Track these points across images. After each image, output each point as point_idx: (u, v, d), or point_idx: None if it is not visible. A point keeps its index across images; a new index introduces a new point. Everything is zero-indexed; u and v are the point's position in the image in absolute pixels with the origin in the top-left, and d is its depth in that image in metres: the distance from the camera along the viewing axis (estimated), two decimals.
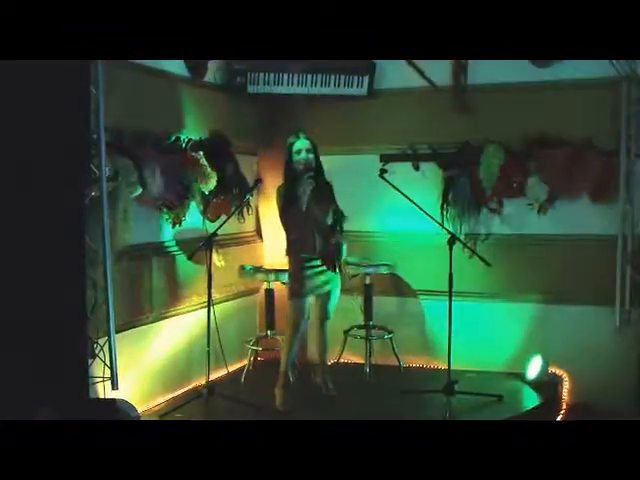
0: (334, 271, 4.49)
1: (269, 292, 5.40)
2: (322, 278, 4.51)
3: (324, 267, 4.47)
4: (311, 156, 4.47)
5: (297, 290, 4.51)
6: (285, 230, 4.52)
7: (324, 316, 4.68)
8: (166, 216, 4.64)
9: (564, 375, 5.19)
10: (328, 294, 4.60)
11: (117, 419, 3.70)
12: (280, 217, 4.50)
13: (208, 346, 4.58)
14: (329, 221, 4.52)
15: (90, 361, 3.93)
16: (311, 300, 4.61)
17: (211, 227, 4.88)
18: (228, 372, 5.18)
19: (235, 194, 5.16)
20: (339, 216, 4.56)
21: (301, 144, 4.48)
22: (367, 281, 5.40)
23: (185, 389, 4.95)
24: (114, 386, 4.00)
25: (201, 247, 4.57)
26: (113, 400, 3.88)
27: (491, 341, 5.40)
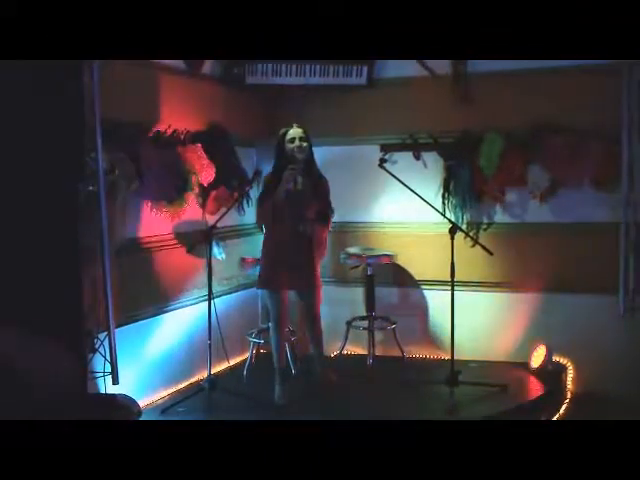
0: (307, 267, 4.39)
1: None
2: (293, 274, 4.39)
3: (297, 262, 4.37)
4: (305, 144, 4.39)
5: (263, 281, 4.47)
6: (258, 220, 4.45)
7: (310, 317, 4.53)
8: (165, 209, 4.60)
9: (568, 364, 5.16)
10: (308, 293, 4.48)
11: (118, 414, 3.68)
12: (257, 206, 4.46)
13: (209, 339, 4.57)
14: (314, 215, 4.41)
15: (90, 356, 3.91)
16: (293, 298, 4.54)
17: (211, 220, 4.86)
18: (230, 365, 5.17)
19: (234, 186, 5.13)
20: (327, 211, 4.47)
21: (295, 132, 4.42)
22: (369, 272, 5.37)
23: (187, 383, 4.93)
24: (115, 381, 3.99)
25: (200, 240, 4.54)
26: (114, 395, 3.86)
27: (494, 330, 5.38)
